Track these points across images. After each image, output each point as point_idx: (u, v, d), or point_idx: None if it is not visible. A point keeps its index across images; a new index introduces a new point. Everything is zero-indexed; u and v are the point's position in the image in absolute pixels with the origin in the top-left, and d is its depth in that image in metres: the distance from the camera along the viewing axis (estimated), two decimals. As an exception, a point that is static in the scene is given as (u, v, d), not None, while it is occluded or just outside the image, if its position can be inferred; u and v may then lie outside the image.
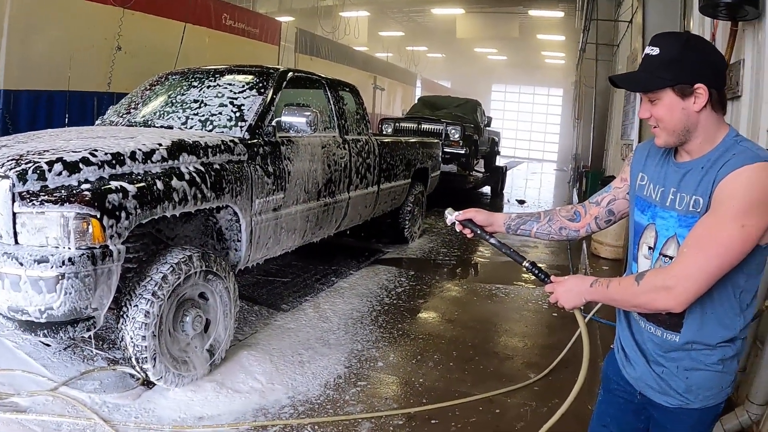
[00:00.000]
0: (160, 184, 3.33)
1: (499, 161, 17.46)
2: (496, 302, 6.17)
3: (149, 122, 4.68)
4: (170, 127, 4.44)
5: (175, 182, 3.43)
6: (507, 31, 26.52)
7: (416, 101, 16.55)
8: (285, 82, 4.90)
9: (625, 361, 2.01)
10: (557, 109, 39.02)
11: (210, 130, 4.33)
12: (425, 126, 12.11)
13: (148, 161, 3.39)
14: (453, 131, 12.01)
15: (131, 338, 3.45)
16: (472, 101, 14.77)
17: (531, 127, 41.28)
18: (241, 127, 4.34)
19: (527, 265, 2.10)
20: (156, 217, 3.36)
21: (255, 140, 4.31)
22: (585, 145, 23.02)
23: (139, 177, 3.28)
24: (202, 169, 3.66)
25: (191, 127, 4.42)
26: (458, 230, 2.27)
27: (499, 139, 17.65)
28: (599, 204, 2.15)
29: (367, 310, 5.54)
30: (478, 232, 2.23)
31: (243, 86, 4.71)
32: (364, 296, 5.91)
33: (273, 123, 4.46)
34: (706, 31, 4.78)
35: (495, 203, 14.85)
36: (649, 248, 1.88)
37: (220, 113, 4.48)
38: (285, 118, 4.41)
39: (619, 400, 2.07)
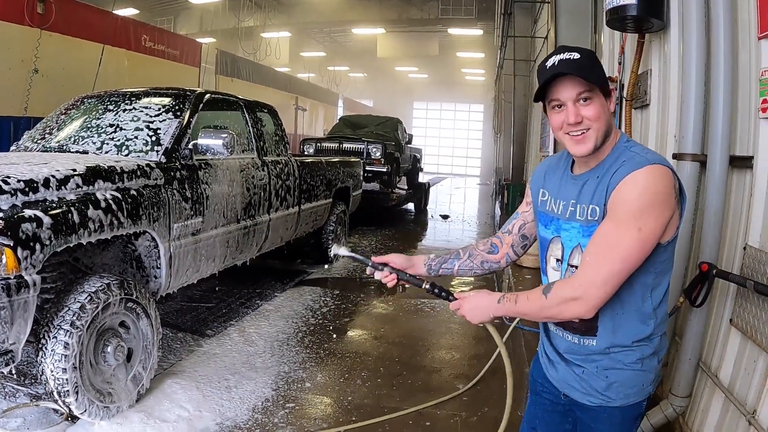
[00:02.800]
0: (75, 212, 3.25)
1: (422, 178, 17.71)
2: (423, 317, 6.26)
3: (64, 147, 4.53)
4: (85, 152, 4.33)
5: (90, 209, 3.35)
6: (427, 49, 27.09)
7: (338, 121, 16.62)
8: (202, 105, 4.87)
9: (548, 363, 2.05)
10: (479, 125, 39.98)
11: (126, 155, 4.25)
12: (346, 145, 12.20)
13: (63, 188, 3.30)
14: (374, 150, 12.14)
15: (51, 371, 3.33)
16: (393, 119, 14.97)
17: (453, 143, 42.14)
18: (157, 151, 4.28)
19: (427, 287, 2.10)
20: (72, 245, 3.28)
21: (172, 164, 4.27)
22: (506, 158, 23.70)
23: (54, 204, 3.19)
24: (118, 195, 3.59)
25: (107, 152, 4.32)
26: (377, 277, 2.19)
27: (421, 156, 17.91)
28: (511, 232, 2.19)
29: (292, 331, 5.52)
30: (399, 275, 2.17)
31: (159, 109, 4.65)
32: (290, 318, 5.89)
33: (190, 146, 4.41)
34: (615, 44, 4.99)
35: (419, 219, 15.05)
36: (557, 260, 1.93)
37: (136, 137, 4.40)
38: (202, 141, 4.38)
39: (545, 402, 2.11)
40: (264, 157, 5.85)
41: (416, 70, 34.96)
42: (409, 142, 15.15)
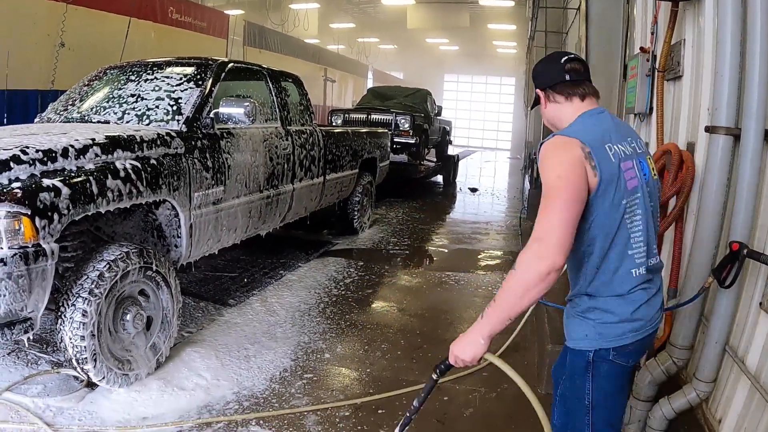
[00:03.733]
0: (93, 181, 3.25)
1: (452, 150, 17.55)
2: (447, 290, 6.22)
3: (86, 118, 4.55)
4: (107, 122, 4.34)
5: (109, 179, 3.34)
6: (457, 21, 26.63)
7: (366, 92, 16.47)
8: (224, 74, 4.83)
9: None
10: (510, 98, 39.38)
11: (147, 125, 4.25)
12: (375, 116, 12.09)
13: (81, 157, 3.29)
14: (402, 121, 12.02)
15: (70, 339, 3.37)
16: (423, 91, 14.78)
17: (484, 116, 41.59)
18: (178, 120, 4.26)
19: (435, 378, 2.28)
20: (90, 213, 3.28)
21: (193, 133, 4.25)
22: (537, 132, 23.36)
23: (72, 174, 3.19)
24: (138, 164, 3.59)
25: (128, 122, 4.33)
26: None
27: (451, 129, 17.72)
28: None
29: (314, 302, 5.52)
30: None
31: (181, 79, 4.63)
32: (312, 288, 5.89)
33: (211, 115, 4.38)
34: (648, 14, 4.79)
35: (447, 192, 14.94)
36: None
37: (158, 107, 4.39)
38: (223, 110, 4.35)
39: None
40: (288, 127, 5.81)
41: (447, 42, 34.48)
42: (439, 114, 14.96)
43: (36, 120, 5.10)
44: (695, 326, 3.16)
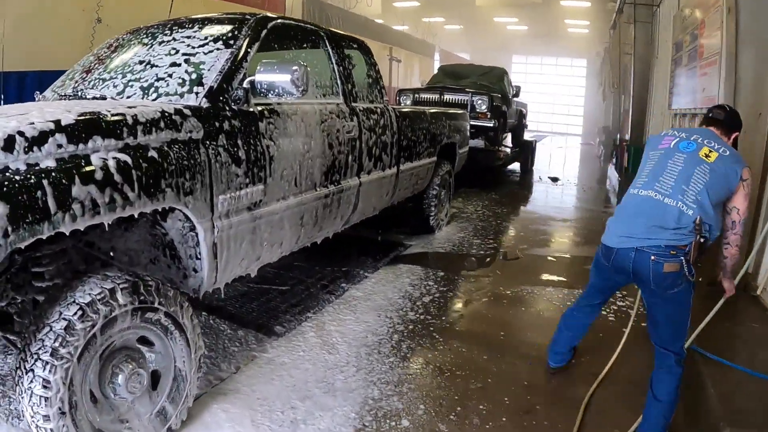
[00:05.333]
0: (48, 188, 2.06)
1: (527, 135, 16.07)
2: (554, 312, 4.83)
3: (80, 93, 3.41)
4: (103, 98, 3.18)
5: (76, 182, 2.15)
6: (529, -4, 24.95)
7: (437, 70, 15.06)
8: (266, 32, 3.57)
9: None
10: (581, 81, 37.40)
11: (154, 99, 3.06)
12: (448, 96, 10.68)
13: (36, 149, 2.09)
14: (479, 102, 10.60)
15: (31, 417, 2.25)
16: (498, 69, 13.29)
17: (554, 99, 39.46)
18: (197, 92, 3.03)
19: None
20: (50, 235, 2.10)
21: (218, 111, 3.00)
22: (622, 116, 21.57)
23: (14, 179, 2.00)
24: (125, 157, 2.37)
25: (129, 97, 3.16)
26: None
27: (527, 111, 16.18)
28: None
29: (386, 331, 4.26)
30: None
31: (205, 39, 3.41)
32: (383, 310, 4.63)
33: (245, 85, 3.14)
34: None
35: (525, 181, 13.48)
36: None
37: (170, 75, 3.18)
38: (261, 77, 3.07)
39: None
40: (353, 104, 4.52)
41: (516, 21, 32.58)
42: (517, 95, 13.49)
43: (37, 99, 3.98)
44: None
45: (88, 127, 2.28)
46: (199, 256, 2.87)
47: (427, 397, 3.42)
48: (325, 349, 3.89)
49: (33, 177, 2.03)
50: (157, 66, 3.28)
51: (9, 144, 2.02)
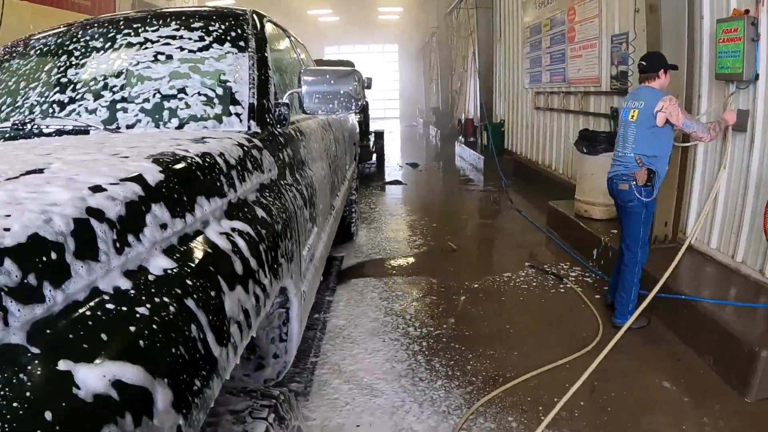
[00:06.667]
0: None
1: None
2: (545, 291, 4.65)
3: (30, 126, 2.27)
4: (84, 132, 2.23)
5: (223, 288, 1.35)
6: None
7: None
8: (267, 31, 2.87)
9: None
10: (394, 65, 38.13)
11: (177, 127, 2.27)
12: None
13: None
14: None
15: None
16: (347, 62, 12.92)
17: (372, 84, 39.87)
18: (237, 114, 2.30)
19: None
20: None
21: (272, 137, 2.33)
22: (446, 97, 22.17)
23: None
24: (246, 227, 1.61)
25: (131, 126, 2.28)
26: None
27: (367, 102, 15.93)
28: None
29: (405, 355, 3.82)
30: None
31: (203, 41, 2.59)
32: (381, 334, 4.18)
33: (285, 100, 2.50)
34: None
35: (391, 171, 13.24)
36: None
37: (182, 91, 2.37)
38: (310, 89, 2.42)
39: None
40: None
41: (329, 13, 32.45)
42: (369, 87, 13.18)
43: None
44: None
45: (186, 181, 1.42)
46: (284, 337, 2.20)
47: (509, 408, 3.11)
48: (368, 394, 3.35)
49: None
50: (150, 79, 2.43)
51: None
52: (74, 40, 2.71)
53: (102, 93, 2.39)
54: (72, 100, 2.39)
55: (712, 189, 4.54)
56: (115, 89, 2.41)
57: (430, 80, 26.56)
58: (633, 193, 3.94)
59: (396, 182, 11.28)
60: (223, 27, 2.68)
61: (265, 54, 2.63)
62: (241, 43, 2.59)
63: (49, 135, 2.21)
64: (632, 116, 3.98)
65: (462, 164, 14.01)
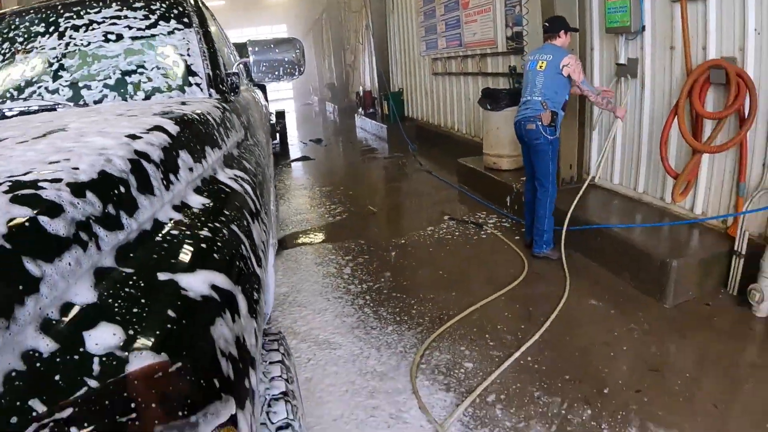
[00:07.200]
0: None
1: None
2: (466, 237, 5.00)
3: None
4: (51, 109, 2.29)
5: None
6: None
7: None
8: (202, 8, 2.97)
9: None
10: (283, 45, 37.71)
11: (144, 99, 2.38)
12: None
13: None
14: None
15: None
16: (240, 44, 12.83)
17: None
18: (197, 84, 2.45)
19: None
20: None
21: (231, 103, 2.49)
22: (339, 73, 22.29)
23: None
24: (243, 174, 1.81)
25: (98, 101, 2.38)
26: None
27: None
28: None
29: (353, 310, 4.07)
30: None
31: (149, 18, 2.68)
32: (326, 295, 4.41)
33: (234, 69, 2.66)
34: None
35: (297, 148, 13.34)
36: None
37: (141, 66, 2.49)
38: (258, 57, 2.57)
39: None
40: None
41: (214, -2, 31.69)
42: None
43: None
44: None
45: (195, 132, 1.64)
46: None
47: (459, 339, 3.54)
48: (327, 348, 3.57)
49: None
50: (106, 57, 2.52)
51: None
52: (13, 27, 2.74)
53: (60, 74, 2.46)
54: (29, 83, 2.44)
55: (610, 131, 5.01)
56: (72, 69, 2.48)
57: (323, 57, 26.56)
58: (539, 132, 4.44)
59: (304, 158, 11.41)
60: (164, 5, 2.79)
61: (209, 29, 2.78)
62: (186, 20, 2.71)
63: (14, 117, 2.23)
64: (540, 66, 4.46)
65: (365, 135, 14.26)
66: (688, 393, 2.88)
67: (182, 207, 1.30)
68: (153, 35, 2.62)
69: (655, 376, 3.04)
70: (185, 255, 1.10)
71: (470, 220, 5.81)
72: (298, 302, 4.31)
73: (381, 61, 14.18)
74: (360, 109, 16.51)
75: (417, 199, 7.23)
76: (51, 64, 2.51)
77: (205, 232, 1.22)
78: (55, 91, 2.40)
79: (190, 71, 2.49)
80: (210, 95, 2.42)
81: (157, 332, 0.82)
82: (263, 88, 13.21)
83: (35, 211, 0.84)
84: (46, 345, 0.73)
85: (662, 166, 4.33)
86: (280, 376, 1.53)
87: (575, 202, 4.70)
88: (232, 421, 0.82)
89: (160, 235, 1.14)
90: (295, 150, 12.86)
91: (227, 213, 1.39)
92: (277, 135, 13.52)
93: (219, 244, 1.21)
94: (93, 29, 2.64)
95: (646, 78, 4.67)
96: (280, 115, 13.95)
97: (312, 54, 29.02)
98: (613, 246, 4.31)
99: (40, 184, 0.93)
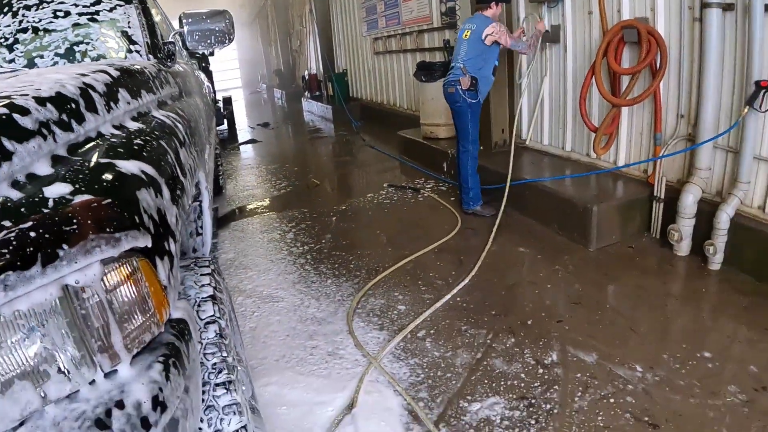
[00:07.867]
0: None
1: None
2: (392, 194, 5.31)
3: None
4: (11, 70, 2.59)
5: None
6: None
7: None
8: None
9: None
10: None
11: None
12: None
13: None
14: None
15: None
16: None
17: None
18: (137, 51, 2.69)
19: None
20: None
21: (168, 66, 2.75)
22: (285, 59, 22.30)
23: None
24: (174, 115, 2.12)
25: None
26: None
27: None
28: None
29: (295, 268, 4.33)
30: None
31: None
32: (270, 257, 4.67)
33: (171, 38, 2.88)
34: None
35: (233, 135, 13.42)
36: None
37: (88, 37, 2.74)
38: (192, 27, 2.80)
39: None
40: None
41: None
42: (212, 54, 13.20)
43: None
44: (712, 152, 3.87)
45: (131, 76, 1.97)
46: (200, 231, 2.60)
47: (393, 286, 3.80)
48: (270, 302, 3.82)
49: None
50: (56, 31, 2.76)
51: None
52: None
53: (15, 47, 2.71)
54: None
55: (538, 96, 5.35)
56: (26, 42, 2.74)
57: (270, 44, 26.48)
58: (459, 95, 4.78)
59: (251, 141, 11.56)
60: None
61: (147, 4, 3.00)
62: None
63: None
64: (466, 35, 4.81)
65: (311, 117, 14.45)
66: (608, 321, 3.22)
67: (121, 127, 1.60)
68: (97, 11, 2.86)
69: (576, 308, 3.38)
70: (121, 150, 1.40)
71: (409, 186, 6.13)
72: (243, 265, 4.53)
73: (325, 44, 14.35)
74: (306, 93, 16.64)
75: (359, 171, 7.51)
76: (7, 39, 2.73)
77: (138, 141, 1.50)
78: (12, 61, 2.63)
79: (131, 40, 2.75)
80: (149, 59, 2.64)
81: (96, 187, 1.12)
82: (209, 74, 13.35)
83: (10, 111, 1.16)
84: (16, 194, 1.03)
85: (585, 124, 4.67)
86: (209, 284, 1.79)
87: (511, 162, 5.01)
88: (150, 259, 1.10)
89: (101, 139, 1.43)
90: (243, 134, 12.96)
91: (157, 134, 1.68)
92: (225, 121, 13.64)
93: (149, 148, 1.50)
94: (43, 8, 2.88)
95: (569, 42, 5.03)
96: (227, 101, 14.01)
97: (259, 41, 28.91)
98: (541, 199, 4.67)
99: (13, 97, 1.25)
